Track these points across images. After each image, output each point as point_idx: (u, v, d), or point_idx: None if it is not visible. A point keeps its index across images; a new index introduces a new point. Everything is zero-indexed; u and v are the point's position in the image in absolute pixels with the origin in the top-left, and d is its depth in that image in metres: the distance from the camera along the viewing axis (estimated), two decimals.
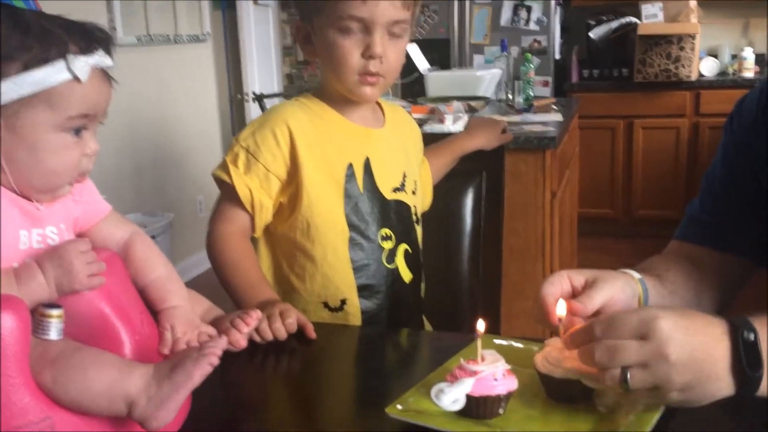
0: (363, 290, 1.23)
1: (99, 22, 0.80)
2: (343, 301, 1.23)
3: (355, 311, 1.23)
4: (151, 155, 3.85)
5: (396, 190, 1.27)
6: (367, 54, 1.14)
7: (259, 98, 3.84)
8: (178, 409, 0.70)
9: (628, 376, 0.72)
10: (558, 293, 0.90)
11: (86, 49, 0.74)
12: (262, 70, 4.81)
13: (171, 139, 4.03)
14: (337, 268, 1.22)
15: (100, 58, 0.75)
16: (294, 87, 5.12)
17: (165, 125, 3.97)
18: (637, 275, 1.00)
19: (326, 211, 1.20)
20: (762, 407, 0.76)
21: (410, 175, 1.31)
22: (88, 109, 0.75)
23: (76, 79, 0.73)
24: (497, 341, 0.95)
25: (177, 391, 0.69)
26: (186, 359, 0.70)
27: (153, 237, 3.44)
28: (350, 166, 1.22)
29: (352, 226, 1.22)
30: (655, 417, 0.75)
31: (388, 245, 1.25)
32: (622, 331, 0.73)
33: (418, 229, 1.32)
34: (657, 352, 0.71)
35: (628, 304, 0.95)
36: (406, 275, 1.28)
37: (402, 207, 1.28)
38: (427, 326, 1.35)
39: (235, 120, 4.64)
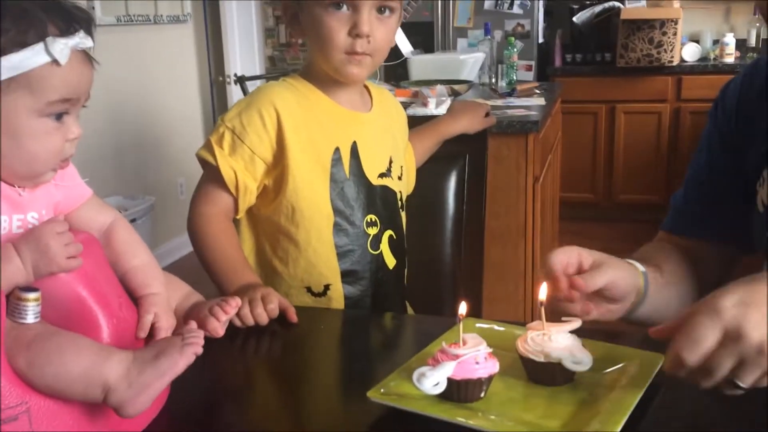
0: (347, 276, 1.22)
1: (78, 2, 0.78)
2: (327, 287, 1.22)
3: (338, 297, 1.22)
4: (132, 137, 3.81)
5: (382, 175, 1.26)
6: (354, 32, 1.13)
7: (241, 80, 3.80)
8: (156, 396, 0.70)
9: (738, 382, 0.72)
10: (565, 263, 0.93)
11: (66, 31, 0.72)
12: (244, 52, 4.76)
13: (152, 121, 3.99)
14: (321, 254, 1.21)
15: (80, 40, 0.73)
16: (276, 69, 5.07)
17: (145, 107, 3.93)
18: (641, 267, 1.01)
19: (311, 195, 1.18)
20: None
21: (396, 160, 1.30)
22: (69, 92, 0.73)
23: (55, 62, 0.71)
24: (479, 325, 0.95)
25: (160, 378, 0.69)
26: (171, 347, 0.70)
27: (134, 220, 3.41)
28: (337, 150, 1.20)
29: (337, 211, 1.20)
30: (633, 402, 0.75)
31: (373, 231, 1.24)
32: (705, 344, 0.71)
33: (403, 215, 1.31)
34: (747, 348, 0.70)
35: (626, 292, 0.96)
36: (390, 261, 1.27)
37: (388, 192, 1.27)
38: (410, 311, 1.35)
39: (216, 102, 4.59)
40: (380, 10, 1.14)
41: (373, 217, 1.24)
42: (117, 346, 0.73)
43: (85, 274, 0.74)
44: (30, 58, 0.69)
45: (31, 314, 0.70)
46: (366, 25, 1.12)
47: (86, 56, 0.75)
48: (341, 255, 1.21)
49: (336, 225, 1.21)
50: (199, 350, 0.71)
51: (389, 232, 1.27)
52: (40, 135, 0.73)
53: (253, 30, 4.96)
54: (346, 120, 1.22)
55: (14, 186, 0.75)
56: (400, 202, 1.31)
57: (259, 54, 5.07)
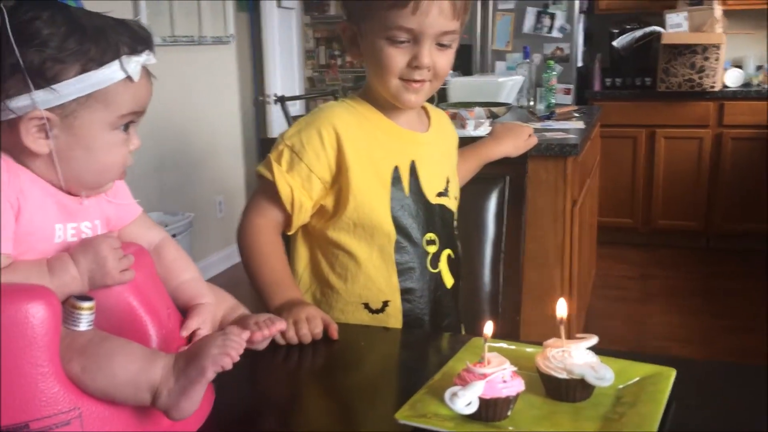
0: (406, 293, 1.23)
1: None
2: (385, 303, 1.22)
3: (396, 314, 1.23)
4: (173, 155, 3.88)
5: (440, 194, 1.27)
6: (414, 64, 1.14)
7: (281, 100, 3.85)
8: (198, 401, 0.71)
9: None
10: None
11: (135, 49, 0.76)
12: (284, 72, 4.84)
13: (193, 139, 4.06)
14: (381, 270, 1.21)
15: (147, 57, 0.78)
16: (315, 90, 5.14)
17: (187, 125, 4.00)
18: None
19: (374, 213, 1.19)
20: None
21: (453, 180, 1.31)
22: (137, 106, 0.79)
23: (129, 78, 0.75)
24: (489, 344, 0.95)
25: (192, 385, 0.71)
26: (201, 355, 0.71)
27: (173, 236, 3.47)
28: (396, 168, 1.21)
29: (398, 229, 1.21)
30: (659, 417, 0.76)
31: (432, 249, 1.25)
32: None
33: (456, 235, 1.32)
34: None
35: None
36: (449, 280, 1.28)
37: (445, 212, 1.28)
38: (463, 332, 1.35)
39: (256, 122, 4.66)
40: (441, 42, 1.14)
41: (433, 235, 1.25)
42: (162, 352, 0.75)
43: (136, 285, 0.76)
44: (109, 75, 0.74)
45: (84, 322, 0.72)
46: (427, 58, 1.13)
47: (147, 72, 0.80)
48: (401, 272, 1.22)
49: (397, 242, 1.21)
50: (229, 364, 0.72)
51: (448, 251, 1.27)
52: (112, 146, 0.78)
53: (293, 51, 5.04)
54: (404, 140, 1.24)
55: (73, 195, 0.78)
56: (456, 222, 1.31)
57: (299, 75, 5.15)
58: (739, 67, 4.50)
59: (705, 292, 3.75)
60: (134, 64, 0.75)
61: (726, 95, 4.26)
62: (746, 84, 4.45)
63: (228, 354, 0.71)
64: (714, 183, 4.33)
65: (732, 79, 4.42)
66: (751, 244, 4.30)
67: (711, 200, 4.35)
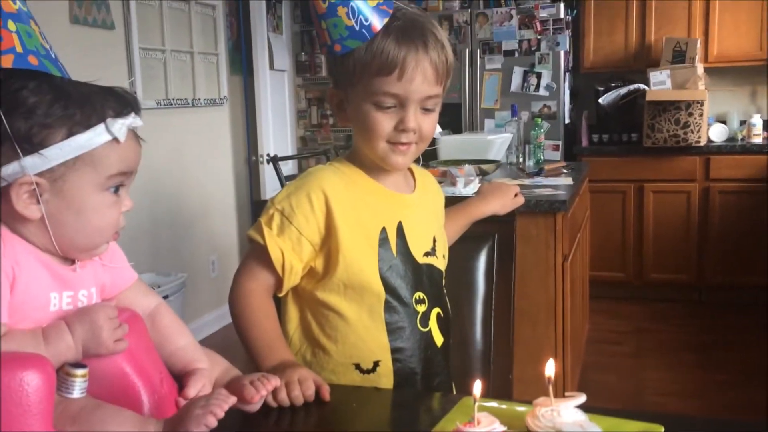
0: (396, 353, 1.24)
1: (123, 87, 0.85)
2: (376, 363, 1.23)
3: (387, 373, 1.23)
4: (166, 215, 3.90)
5: (427, 254, 1.29)
6: (401, 127, 1.18)
7: (274, 160, 3.90)
8: None
9: None
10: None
11: (121, 112, 0.79)
12: (277, 132, 4.91)
13: (186, 199, 4.09)
14: (371, 330, 1.23)
15: (133, 120, 0.80)
16: (308, 149, 5.20)
17: (180, 186, 4.04)
18: None
19: (363, 273, 1.21)
20: None
21: (440, 239, 1.33)
22: (126, 167, 0.81)
23: (115, 140, 0.78)
24: (479, 403, 0.96)
25: None
26: (186, 418, 0.72)
27: (166, 297, 3.46)
28: (383, 230, 1.24)
29: (388, 289, 1.23)
30: None
31: (422, 308, 1.26)
32: None
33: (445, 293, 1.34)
34: None
35: None
36: (439, 339, 1.29)
37: (433, 271, 1.30)
38: (454, 391, 1.35)
39: (249, 182, 4.71)
40: (425, 106, 1.19)
41: (422, 294, 1.26)
42: (153, 418, 0.76)
43: (129, 351, 0.78)
44: (94, 137, 0.77)
45: (77, 389, 0.73)
46: (413, 122, 1.17)
47: (135, 134, 0.83)
48: (392, 332, 1.23)
49: (387, 302, 1.23)
50: (213, 422, 0.72)
51: (437, 309, 1.29)
52: (102, 208, 0.80)
53: (286, 112, 5.12)
54: (391, 201, 1.27)
55: (67, 262, 0.80)
56: (444, 281, 1.33)
57: (292, 134, 5.22)
58: (723, 122, 4.60)
59: (699, 346, 3.75)
60: (119, 125, 0.78)
61: (711, 150, 4.34)
62: (731, 138, 4.53)
63: (211, 412, 0.72)
64: (704, 236, 4.37)
65: (716, 134, 4.50)
66: (742, 296, 4.32)
67: (701, 253, 4.38)
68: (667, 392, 3.18)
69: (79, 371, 0.72)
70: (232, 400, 0.76)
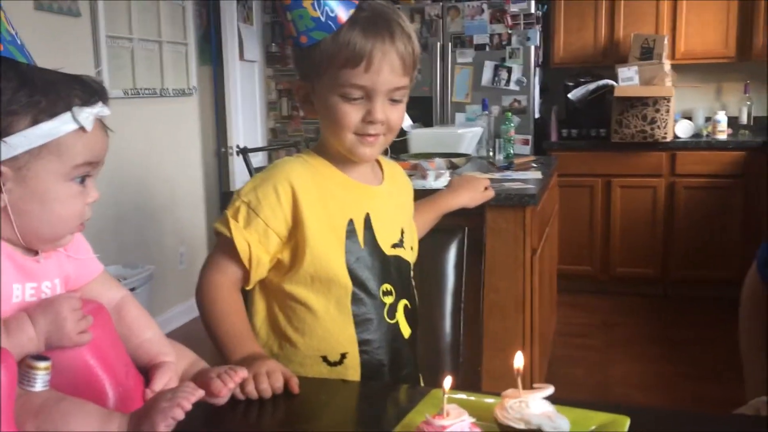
0: (364, 345, 1.24)
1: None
2: (344, 355, 1.23)
3: (355, 365, 1.23)
4: (134, 207, 3.85)
5: (395, 246, 1.29)
6: (368, 119, 1.17)
7: (244, 152, 3.87)
8: None
9: None
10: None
11: (88, 101, 0.77)
12: (247, 124, 4.87)
13: (154, 191, 4.04)
14: (338, 322, 1.22)
15: (100, 109, 0.79)
16: (278, 141, 5.17)
17: (148, 177, 3.99)
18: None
19: (330, 266, 1.21)
20: None
21: (408, 231, 1.33)
22: (92, 156, 0.79)
23: (82, 129, 0.76)
24: (449, 395, 0.96)
25: None
26: (152, 411, 0.71)
27: (133, 289, 3.41)
28: (351, 221, 1.23)
29: (355, 281, 1.22)
30: None
31: (389, 300, 1.26)
32: None
33: (414, 285, 1.34)
34: None
35: None
36: (406, 330, 1.29)
37: (401, 263, 1.30)
38: (422, 383, 1.36)
39: (219, 173, 4.66)
40: (392, 97, 1.19)
41: (389, 286, 1.26)
42: (118, 412, 0.75)
43: (94, 344, 0.76)
44: (60, 126, 0.75)
45: (40, 382, 0.71)
46: (380, 113, 1.17)
47: (102, 124, 0.81)
48: (359, 324, 1.23)
49: (354, 294, 1.23)
50: (180, 414, 0.71)
51: (404, 301, 1.29)
52: (67, 198, 0.78)
53: (256, 103, 5.08)
54: (358, 193, 1.26)
55: (31, 253, 0.78)
56: (412, 272, 1.33)
57: (262, 126, 5.18)
58: (689, 118, 4.67)
59: (663, 339, 3.81)
60: (86, 114, 0.77)
61: (677, 145, 4.40)
62: (696, 135, 4.60)
63: (178, 405, 0.71)
64: (669, 231, 4.44)
65: (682, 130, 4.57)
66: (706, 291, 4.39)
67: (666, 248, 4.45)
68: (632, 385, 3.23)
69: (42, 364, 0.71)
70: (200, 393, 0.75)
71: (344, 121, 1.18)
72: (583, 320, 4.10)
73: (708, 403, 3.00)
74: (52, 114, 0.75)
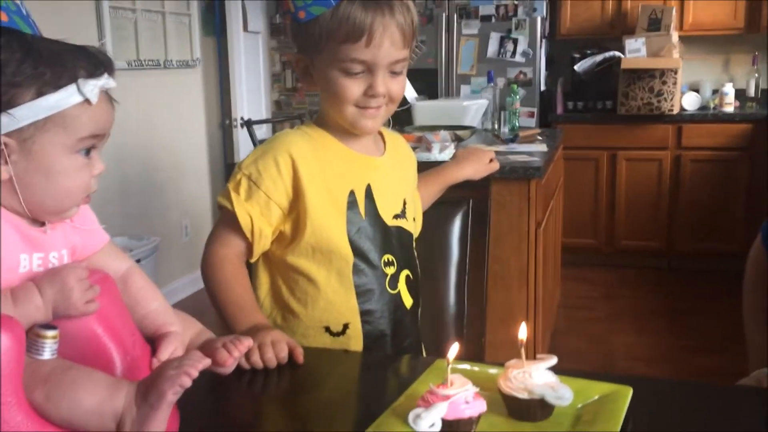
0: (366, 315, 1.25)
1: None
2: (346, 326, 1.24)
3: (357, 336, 1.24)
4: (138, 179, 3.86)
5: (397, 216, 1.29)
6: (370, 93, 1.17)
7: (248, 124, 3.86)
8: (161, 427, 0.71)
9: None
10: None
11: (94, 73, 0.77)
12: (251, 96, 4.85)
13: (159, 163, 4.04)
14: (340, 293, 1.23)
15: (106, 81, 0.78)
16: (282, 113, 5.15)
17: (152, 149, 3.98)
18: None
19: (331, 237, 1.21)
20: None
21: (410, 202, 1.33)
22: (97, 129, 0.79)
23: (87, 101, 0.76)
24: (453, 365, 0.97)
25: (153, 410, 0.71)
26: (159, 379, 0.72)
27: (138, 260, 3.43)
28: (352, 192, 1.23)
29: (356, 252, 1.23)
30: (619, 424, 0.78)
31: (390, 271, 1.27)
32: None
33: (416, 256, 1.34)
34: None
35: None
36: (408, 301, 1.30)
37: (403, 233, 1.30)
38: (424, 353, 1.37)
39: (223, 145, 4.66)
40: (393, 70, 1.18)
41: (390, 257, 1.27)
42: (126, 380, 0.75)
43: (101, 313, 0.77)
44: (65, 98, 0.75)
45: (48, 351, 0.72)
46: (382, 87, 1.17)
47: (108, 96, 0.81)
48: (360, 294, 1.24)
49: (355, 265, 1.23)
50: (187, 381, 0.71)
51: (406, 271, 1.29)
52: (72, 171, 0.78)
53: (260, 75, 5.05)
54: (359, 164, 1.26)
55: (37, 224, 0.78)
56: (414, 243, 1.33)
57: (266, 98, 5.16)
58: (696, 91, 4.63)
59: (667, 311, 3.82)
60: (91, 86, 0.76)
61: (684, 118, 4.37)
62: (703, 107, 4.57)
63: (185, 372, 0.71)
64: (674, 204, 4.43)
65: (689, 102, 4.54)
66: (710, 264, 4.40)
67: (671, 221, 4.45)
68: (635, 357, 3.25)
69: (50, 332, 0.72)
70: (206, 361, 0.76)
71: (345, 95, 1.17)
72: (587, 293, 4.12)
73: (711, 375, 3.01)
74: (57, 86, 0.74)
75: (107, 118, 0.80)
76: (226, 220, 1.22)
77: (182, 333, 0.88)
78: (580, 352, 3.26)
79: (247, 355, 1.04)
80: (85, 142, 0.78)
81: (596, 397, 0.88)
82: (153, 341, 0.86)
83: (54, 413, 0.69)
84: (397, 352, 1.28)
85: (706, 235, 4.38)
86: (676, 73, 4.25)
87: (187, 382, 0.71)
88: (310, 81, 1.23)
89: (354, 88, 1.17)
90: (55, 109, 0.74)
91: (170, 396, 0.71)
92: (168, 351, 0.84)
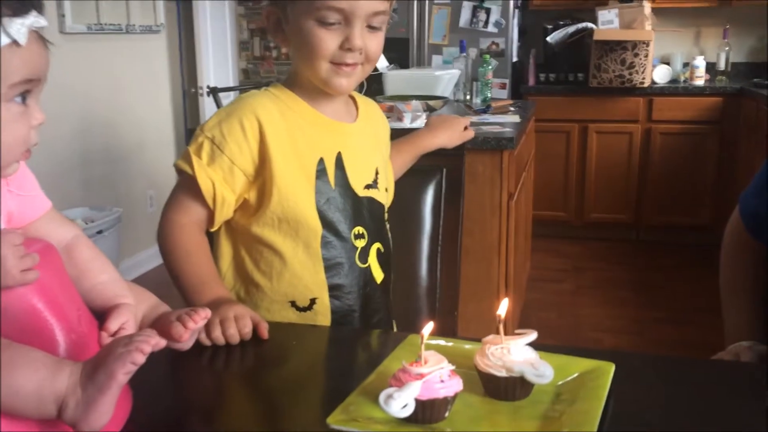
0: (334, 290, 1.18)
1: (47, 6, 0.75)
2: (313, 301, 1.18)
3: (324, 311, 1.18)
4: (101, 148, 3.73)
5: (368, 186, 1.22)
6: (346, 46, 1.09)
7: (214, 92, 3.75)
8: (109, 411, 0.65)
9: None
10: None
11: (20, 11, 0.69)
12: (218, 64, 4.72)
13: (122, 131, 3.92)
14: (307, 267, 1.17)
15: (35, 19, 0.70)
16: (250, 82, 5.03)
17: (115, 117, 3.85)
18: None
19: (298, 206, 1.14)
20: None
21: (382, 171, 1.27)
22: (31, 73, 0.71)
23: (14, 42, 0.68)
24: (428, 341, 0.92)
25: (101, 393, 0.64)
26: (109, 356, 0.65)
27: (100, 232, 3.33)
28: (321, 160, 1.17)
29: (324, 223, 1.16)
30: (599, 414, 0.74)
31: (360, 244, 1.20)
32: None
33: (388, 228, 1.28)
34: None
35: None
36: (378, 275, 1.24)
37: (374, 204, 1.24)
38: (395, 329, 1.32)
39: (188, 114, 4.53)
40: (371, 23, 1.11)
41: (361, 229, 1.20)
42: (70, 360, 0.69)
43: (41, 285, 0.69)
44: None
45: None
46: (359, 39, 1.09)
47: (39, 36, 0.72)
48: (329, 268, 1.17)
49: (323, 237, 1.17)
50: (140, 358, 0.65)
51: (377, 245, 1.23)
52: (8, 122, 0.70)
53: (227, 42, 4.92)
54: (330, 130, 1.19)
55: None
56: (386, 215, 1.27)
57: (233, 66, 5.03)
58: (667, 63, 4.61)
59: (636, 284, 3.83)
60: (17, 26, 0.68)
61: (654, 91, 4.36)
62: (674, 80, 4.56)
63: (138, 349, 0.64)
64: (644, 177, 4.43)
65: (660, 75, 4.52)
66: (678, 237, 4.42)
67: (641, 194, 4.45)
68: (605, 329, 3.25)
69: None
70: (161, 342, 0.69)
71: (319, 48, 1.09)
72: (557, 266, 4.11)
73: (678, 346, 3.03)
74: None
75: (41, 60, 0.72)
76: (185, 185, 1.14)
77: (135, 306, 0.81)
78: (550, 324, 3.26)
79: (208, 331, 0.97)
80: (18, 88, 0.70)
81: (576, 375, 0.84)
82: (102, 317, 0.79)
83: None
84: (366, 329, 1.23)
85: (674, 209, 4.40)
86: (648, 45, 4.22)
87: (140, 359, 0.65)
88: (282, 36, 1.16)
89: (329, 40, 1.09)
90: None
91: (120, 376, 0.64)
92: (118, 322, 0.77)
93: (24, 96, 0.71)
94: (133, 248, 3.91)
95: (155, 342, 0.67)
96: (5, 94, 0.69)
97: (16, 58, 0.69)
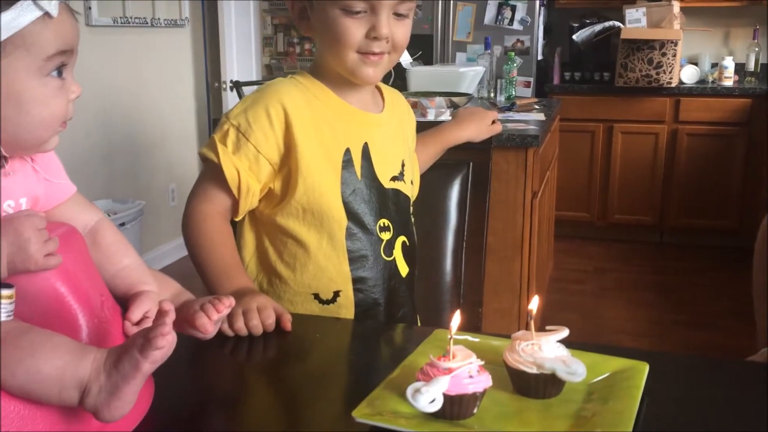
0: (358, 283, 1.16)
1: (74, 2, 0.74)
2: (337, 293, 1.16)
3: (348, 304, 1.17)
4: (124, 140, 3.74)
5: (394, 178, 1.20)
6: (372, 35, 1.07)
7: (237, 85, 3.75)
8: (132, 400, 0.64)
9: None
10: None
11: None
12: (241, 59, 4.72)
13: (145, 124, 3.93)
14: (332, 259, 1.15)
15: None
16: (273, 77, 5.03)
17: (139, 110, 3.87)
18: None
19: (324, 197, 1.12)
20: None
21: (408, 163, 1.24)
22: (65, 44, 0.70)
23: (47, 15, 0.67)
24: (453, 336, 0.90)
25: (126, 382, 0.63)
26: (134, 347, 0.63)
27: (122, 224, 3.35)
28: (347, 151, 1.15)
29: (350, 215, 1.14)
30: (633, 415, 0.71)
31: (386, 236, 1.18)
32: None
33: (413, 221, 1.26)
34: None
35: None
36: (404, 269, 1.22)
37: (400, 197, 1.21)
38: (419, 323, 1.29)
39: (211, 108, 4.54)
40: (398, 11, 1.09)
41: (386, 221, 1.18)
42: (94, 346, 0.67)
43: (64, 270, 0.68)
44: (22, 15, 0.66)
45: (3, 312, 0.64)
46: (386, 28, 1.07)
47: (69, 8, 0.72)
48: (353, 260, 1.15)
49: (348, 229, 1.15)
50: (162, 343, 0.63)
51: (402, 238, 1.21)
52: (47, 96, 0.69)
53: (251, 37, 4.92)
54: (356, 120, 1.17)
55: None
56: (411, 208, 1.25)
57: (257, 61, 5.03)
58: (695, 64, 4.54)
59: (658, 286, 3.78)
60: None
61: (682, 91, 4.29)
62: (701, 81, 4.49)
63: (159, 336, 0.63)
64: (669, 178, 4.37)
65: (688, 75, 4.46)
66: (703, 239, 4.35)
67: (665, 195, 4.39)
68: (626, 331, 3.21)
69: (5, 292, 0.63)
70: (166, 330, 0.66)
71: (346, 38, 1.07)
72: (579, 266, 4.07)
73: (701, 350, 2.98)
74: (9, 2, 0.65)
75: (72, 30, 0.71)
76: (210, 173, 1.13)
77: (158, 293, 0.80)
78: (571, 325, 3.18)
79: (231, 322, 0.96)
80: (54, 60, 0.69)
81: (608, 374, 0.81)
82: (125, 302, 0.77)
83: (10, 381, 0.61)
84: (390, 323, 1.20)
85: (699, 211, 4.33)
86: (676, 44, 4.16)
87: (161, 343, 0.63)
88: (307, 25, 1.14)
89: (355, 29, 1.07)
90: (14, 29, 0.65)
91: (146, 366, 0.63)
92: (141, 310, 0.76)
93: (60, 70, 0.70)
94: (155, 241, 3.92)
95: (170, 318, 0.65)
96: (41, 67, 0.68)
97: (49, 30, 0.68)
